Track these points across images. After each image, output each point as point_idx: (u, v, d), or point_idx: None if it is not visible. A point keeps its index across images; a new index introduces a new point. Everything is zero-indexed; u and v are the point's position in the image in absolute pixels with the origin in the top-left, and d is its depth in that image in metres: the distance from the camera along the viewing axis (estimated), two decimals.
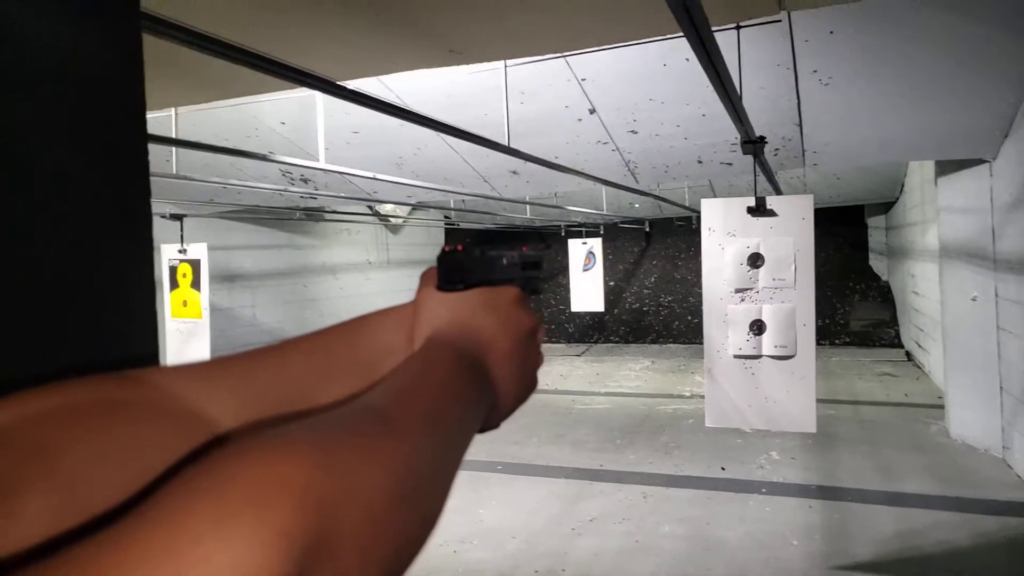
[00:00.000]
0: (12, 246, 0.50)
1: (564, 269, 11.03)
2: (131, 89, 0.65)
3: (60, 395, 0.38)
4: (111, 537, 0.25)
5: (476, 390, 0.45)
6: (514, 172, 5.68)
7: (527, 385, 0.51)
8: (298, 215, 8.37)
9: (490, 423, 0.49)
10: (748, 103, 3.03)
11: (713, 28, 1.67)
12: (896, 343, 11.16)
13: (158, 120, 3.58)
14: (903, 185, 9.29)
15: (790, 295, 3.20)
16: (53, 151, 0.56)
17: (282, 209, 7.70)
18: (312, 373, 0.48)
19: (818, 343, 3.54)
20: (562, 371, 10.49)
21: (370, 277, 10.96)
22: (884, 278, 11.83)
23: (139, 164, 0.66)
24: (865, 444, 6.02)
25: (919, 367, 9.34)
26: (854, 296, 12.01)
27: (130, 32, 0.66)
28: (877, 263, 11.93)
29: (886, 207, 11.19)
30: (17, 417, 0.36)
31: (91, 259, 0.59)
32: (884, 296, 11.73)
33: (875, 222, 11.83)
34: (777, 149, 4.97)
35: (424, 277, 0.52)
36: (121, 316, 0.63)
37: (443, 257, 0.51)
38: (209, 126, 4.81)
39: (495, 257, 0.52)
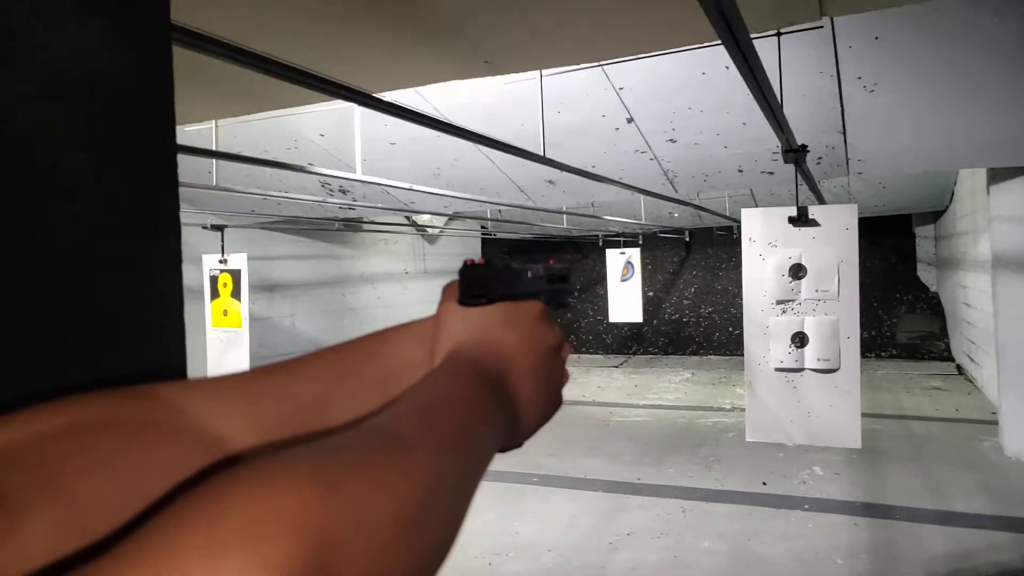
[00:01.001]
0: (33, 254, 0.50)
1: (602, 279, 10.95)
2: (160, 100, 0.65)
3: (68, 411, 0.37)
4: (98, 569, 0.24)
5: (496, 409, 0.44)
6: (551, 182, 5.66)
7: (550, 403, 0.49)
8: (337, 225, 8.47)
9: (511, 442, 0.47)
10: (789, 111, 2.96)
11: (753, 35, 1.63)
12: (946, 356, 10.81)
13: (199, 132, 3.65)
14: (953, 193, 9.03)
15: (833, 307, 3.11)
16: (79, 161, 0.55)
17: (321, 220, 7.81)
18: (329, 390, 0.47)
19: (864, 356, 3.44)
20: (600, 382, 10.40)
21: (407, 287, 11.04)
22: (933, 289, 11.48)
23: (168, 175, 0.66)
24: (913, 460, 5.83)
25: (971, 381, 9.03)
26: (901, 307, 11.68)
27: (160, 44, 0.66)
28: (925, 274, 11.60)
29: (935, 216, 10.89)
30: (25, 434, 0.35)
31: (117, 270, 0.59)
32: (933, 308, 11.38)
33: (923, 231, 11.51)
34: (820, 158, 4.86)
35: (446, 291, 0.50)
36: (148, 328, 0.62)
37: (465, 271, 0.49)
38: (250, 137, 4.90)
39: (519, 271, 0.50)
